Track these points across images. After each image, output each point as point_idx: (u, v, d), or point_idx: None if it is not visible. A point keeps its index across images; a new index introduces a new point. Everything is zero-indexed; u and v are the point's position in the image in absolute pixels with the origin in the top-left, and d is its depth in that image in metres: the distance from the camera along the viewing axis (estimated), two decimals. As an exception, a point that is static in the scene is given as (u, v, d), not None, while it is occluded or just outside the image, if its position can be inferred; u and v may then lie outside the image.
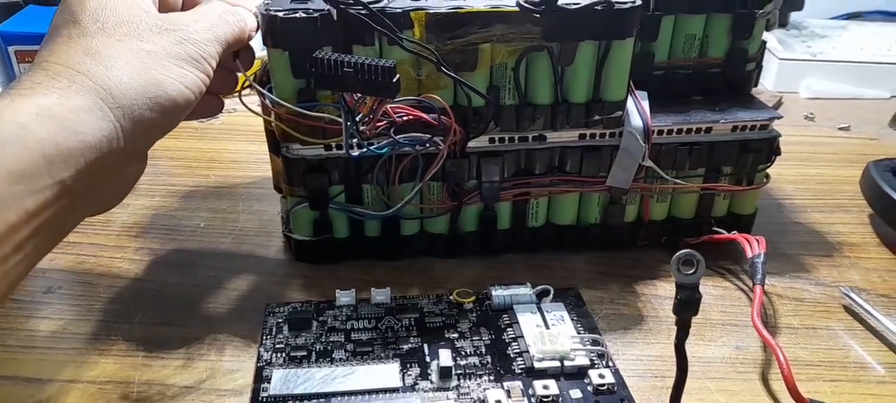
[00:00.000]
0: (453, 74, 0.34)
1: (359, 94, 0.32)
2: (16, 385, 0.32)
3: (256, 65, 0.38)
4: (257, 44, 0.35)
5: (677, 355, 0.27)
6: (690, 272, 0.25)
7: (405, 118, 0.35)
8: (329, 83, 0.32)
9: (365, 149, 0.35)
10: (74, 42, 0.28)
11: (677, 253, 0.25)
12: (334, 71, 0.31)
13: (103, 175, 0.28)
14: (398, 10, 0.34)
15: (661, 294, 0.40)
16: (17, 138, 0.24)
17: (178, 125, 0.31)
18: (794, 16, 0.78)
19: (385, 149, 0.36)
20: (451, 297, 0.38)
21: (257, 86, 0.35)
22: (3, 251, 0.24)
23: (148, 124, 0.28)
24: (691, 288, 0.25)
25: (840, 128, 0.63)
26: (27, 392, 0.31)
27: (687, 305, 0.25)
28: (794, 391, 0.31)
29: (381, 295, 0.37)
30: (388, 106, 0.34)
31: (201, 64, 0.30)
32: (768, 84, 0.70)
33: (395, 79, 0.30)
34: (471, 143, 0.38)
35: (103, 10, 0.28)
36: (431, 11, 0.34)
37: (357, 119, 0.33)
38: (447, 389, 0.32)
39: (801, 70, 0.69)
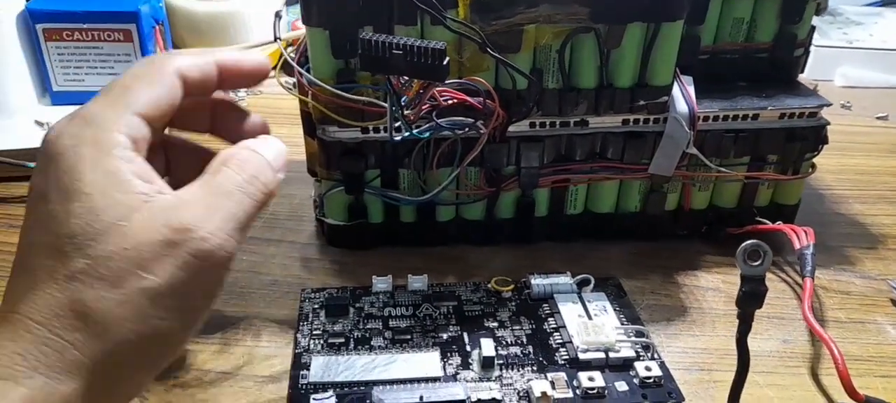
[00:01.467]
0: (498, 55, 0.33)
1: (405, 78, 0.31)
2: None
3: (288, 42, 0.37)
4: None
5: (739, 349, 0.26)
6: (757, 263, 0.24)
7: (450, 101, 0.34)
8: (376, 65, 0.30)
9: (407, 134, 0.34)
10: (59, 288, 0.21)
11: (743, 244, 0.24)
12: (382, 53, 0.29)
13: None
14: (442, -11, 0.33)
15: (704, 285, 0.39)
16: None
17: None
18: (831, 2, 0.77)
19: (427, 134, 0.35)
20: (489, 285, 0.37)
21: (296, 66, 0.34)
22: None
23: (139, 384, 0.24)
24: (757, 281, 0.24)
25: (878, 118, 0.61)
26: None
27: (752, 298, 0.24)
28: (849, 387, 0.30)
29: (418, 282, 0.36)
30: (434, 89, 0.33)
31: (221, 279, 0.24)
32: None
33: (445, 62, 0.29)
34: (511, 128, 0.37)
35: (91, 230, 0.22)
36: (476, -10, 0.33)
37: (402, 102, 0.32)
38: (490, 379, 0.31)
39: (835, 57, 0.68)
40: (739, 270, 0.24)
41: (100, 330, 0.21)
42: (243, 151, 0.26)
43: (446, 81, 0.33)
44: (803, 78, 0.59)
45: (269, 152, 0.26)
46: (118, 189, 0.22)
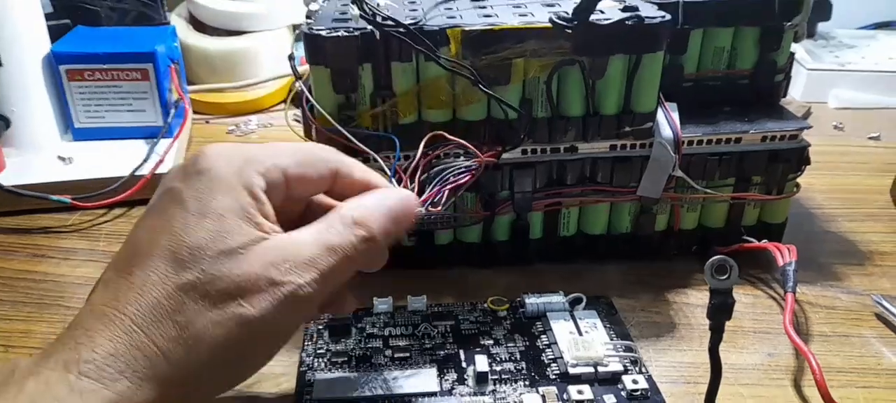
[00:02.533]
0: (489, 91, 0.35)
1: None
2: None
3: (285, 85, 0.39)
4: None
5: (711, 358, 0.27)
6: (724, 277, 0.25)
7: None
8: None
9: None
10: (167, 295, 0.23)
11: (711, 259, 0.25)
12: None
13: None
14: (435, 28, 0.35)
15: (693, 302, 0.40)
16: None
17: None
18: (822, 26, 0.79)
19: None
20: (486, 305, 0.39)
21: (312, 99, 0.37)
22: None
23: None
24: (725, 294, 0.25)
25: (870, 138, 0.63)
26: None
27: (720, 310, 0.26)
28: (826, 396, 0.31)
29: (417, 303, 0.38)
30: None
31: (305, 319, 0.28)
32: (796, 94, 0.70)
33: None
34: (504, 155, 0.39)
35: (213, 249, 0.24)
36: (467, 28, 0.35)
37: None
38: (484, 394, 0.33)
39: (829, 80, 0.70)
40: (708, 284, 0.26)
41: (192, 344, 0.23)
42: (356, 211, 0.27)
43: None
44: (797, 100, 0.60)
45: (381, 208, 0.28)
46: (246, 221, 0.25)
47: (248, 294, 0.24)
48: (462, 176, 0.36)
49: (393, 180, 0.34)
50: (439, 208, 0.34)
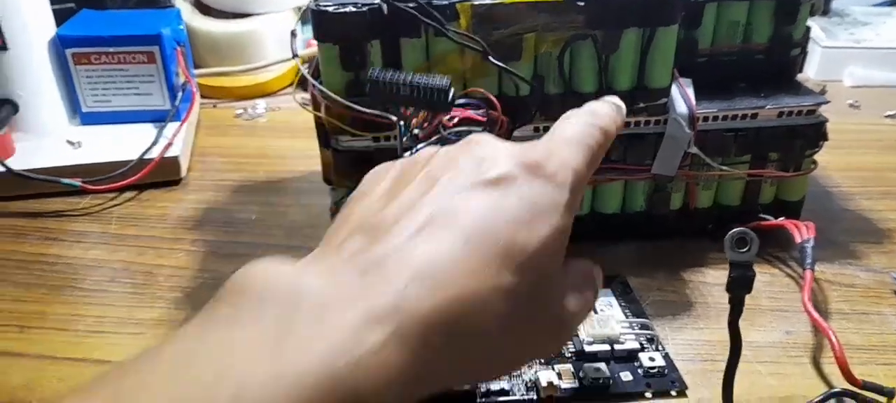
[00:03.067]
0: (500, 63, 0.35)
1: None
2: (87, 366, 0.34)
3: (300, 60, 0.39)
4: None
5: (731, 333, 0.27)
6: (744, 250, 0.25)
7: (455, 121, 0.35)
8: (385, 100, 0.32)
9: (416, 150, 0.35)
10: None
11: (731, 232, 0.25)
12: (390, 90, 0.31)
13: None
14: (444, 2, 0.35)
15: (709, 280, 0.40)
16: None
17: None
18: (837, 3, 0.77)
19: None
20: (499, 284, 0.38)
21: (311, 79, 0.36)
22: None
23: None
24: (745, 266, 0.25)
25: (886, 116, 0.62)
26: (99, 372, 0.33)
27: (740, 283, 0.25)
28: (846, 372, 0.31)
29: (429, 283, 0.38)
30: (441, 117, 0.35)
31: None
32: (811, 72, 0.69)
33: (450, 97, 0.31)
34: (516, 133, 0.38)
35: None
36: (477, 2, 0.35)
37: (411, 127, 0.34)
38: (498, 372, 0.32)
39: (844, 57, 0.68)
40: (727, 257, 0.25)
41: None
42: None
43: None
44: (812, 78, 0.59)
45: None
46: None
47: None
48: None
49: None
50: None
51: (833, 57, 0.68)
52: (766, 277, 0.40)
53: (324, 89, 0.36)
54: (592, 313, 0.35)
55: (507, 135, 0.38)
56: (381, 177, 0.26)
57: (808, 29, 0.42)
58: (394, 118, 0.35)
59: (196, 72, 0.64)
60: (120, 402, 0.18)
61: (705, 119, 0.39)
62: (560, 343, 0.28)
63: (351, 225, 0.23)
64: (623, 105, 0.30)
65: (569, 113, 0.28)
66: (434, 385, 0.21)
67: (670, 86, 0.38)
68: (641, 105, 0.38)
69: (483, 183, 0.23)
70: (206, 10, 0.71)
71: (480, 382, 0.30)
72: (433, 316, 0.20)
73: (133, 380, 0.18)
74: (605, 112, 0.28)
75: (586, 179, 0.25)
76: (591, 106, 0.29)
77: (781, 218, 0.41)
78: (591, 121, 0.27)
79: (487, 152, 0.24)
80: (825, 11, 0.43)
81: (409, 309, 0.19)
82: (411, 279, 0.20)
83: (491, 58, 0.34)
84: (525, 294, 0.22)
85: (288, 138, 0.58)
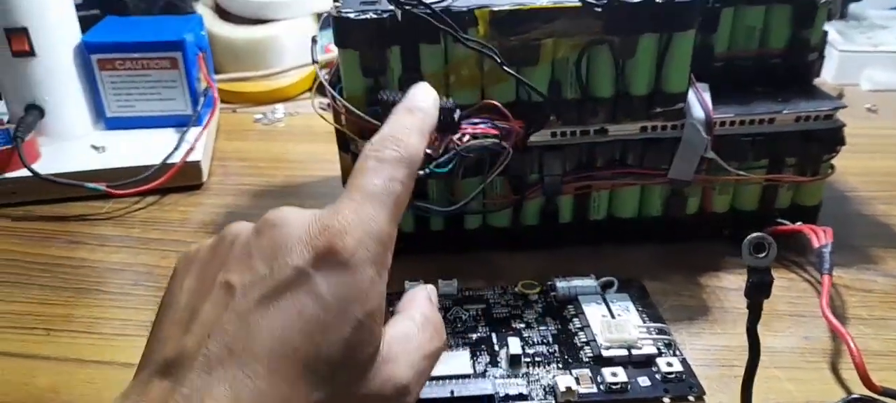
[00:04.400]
0: (514, 73, 0.35)
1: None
2: (113, 369, 0.34)
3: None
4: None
5: (749, 338, 0.27)
6: (762, 255, 0.25)
7: (466, 138, 0.35)
8: None
9: (428, 171, 0.35)
10: None
11: (748, 236, 0.25)
12: None
13: None
14: (463, 8, 0.35)
15: (726, 285, 0.40)
16: None
17: None
18: (854, 7, 0.77)
19: (446, 167, 0.35)
20: (516, 289, 0.39)
21: (329, 88, 0.37)
22: None
23: None
24: (763, 272, 0.25)
25: (905, 120, 0.61)
26: (125, 376, 0.33)
27: (758, 288, 0.25)
28: (865, 378, 0.31)
29: (448, 287, 0.38)
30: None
31: None
32: (828, 77, 0.69)
33: (455, 117, 0.32)
34: (533, 138, 0.39)
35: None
36: (495, 8, 0.35)
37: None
38: (517, 376, 0.33)
39: (861, 62, 0.68)
40: (745, 262, 0.25)
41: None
42: (418, 330, 0.26)
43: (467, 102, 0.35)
44: (829, 83, 0.59)
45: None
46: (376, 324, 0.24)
47: None
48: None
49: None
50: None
51: (850, 61, 0.68)
52: (783, 282, 0.40)
53: (343, 101, 0.37)
54: (610, 318, 0.35)
55: (523, 140, 0.38)
56: (185, 272, 0.25)
57: (825, 33, 0.42)
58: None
59: (216, 77, 0.65)
60: None
61: (722, 124, 0.39)
62: None
63: (157, 361, 0.22)
64: (429, 101, 0.29)
65: (368, 150, 0.26)
66: None
67: (687, 91, 0.38)
68: (658, 110, 0.38)
69: (276, 290, 0.22)
70: (227, 16, 0.72)
71: None
72: None
73: None
74: (409, 126, 0.27)
75: (394, 234, 0.24)
76: (396, 126, 0.27)
77: (799, 223, 0.41)
78: (395, 156, 0.25)
79: (280, 240, 0.23)
80: (842, 15, 0.43)
81: None
82: None
83: (505, 67, 0.35)
84: (343, 395, 0.22)
85: (307, 143, 0.59)
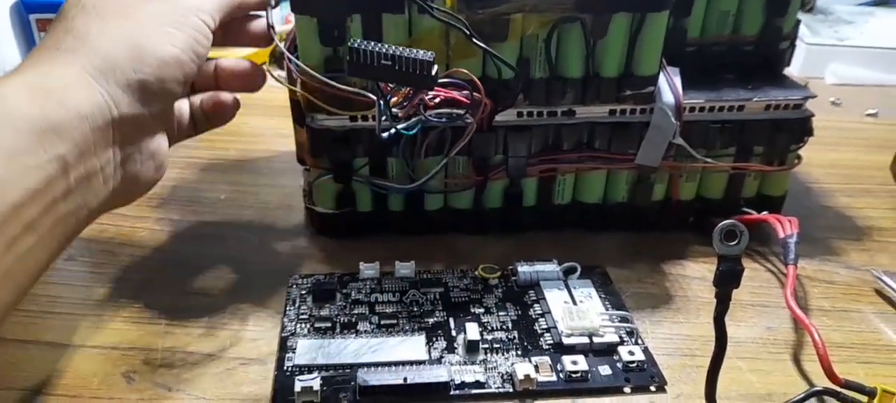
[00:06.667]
0: (484, 46, 0.33)
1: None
2: (39, 349, 0.32)
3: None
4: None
5: (716, 328, 0.26)
6: (733, 244, 0.24)
7: (437, 100, 0.34)
8: (365, 72, 0.31)
9: (394, 131, 0.34)
10: (56, 28, 0.28)
11: (720, 224, 0.24)
12: (371, 61, 0.30)
13: (108, 148, 0.27)
14: (429, -23, 0.33)
15: (690, 274, 0.39)
16: (3, 117, 0.24)
17: (182, 89, 0.30)
18: (821, 1, 0.77)
19: (414, 130, 0.35)
20: (476, 273, 0.37)
21: (286, 53, 0.35)
22: (11, 231, 0.23)
23: (141, 88, 0.28)
24: (733, 260, 0.24)
25: (867, 115, 0.62)
26: (50, 356, 0.31)
27: (729, 277, 0.24)
28: (828, 370, 0.30)
29: (405, 269, 0.37)
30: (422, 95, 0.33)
31: (188, 21, 0.30)
32: (794, 69, 0.68)
33: (433, 72, 0.30)
34: (498, 117, 0.37)
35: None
36: (463, -21, 0.33)
37: (391, 105, 0.33)
38: (474, 363, 0.31)
39: (827, 55, 0.68)
40: (716, 250, 0.24)
41: (88, 38, 0.28)
42: None
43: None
44: (795, 75, 0.59)
45: None
46: None
47: None
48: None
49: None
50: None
51: (816, 54, 0.68)
52: (746, 272, 0.39)
53: (300, 64, 0.35)
54: (572, 305, 0.34)
55: (489, 119, 0.37)
56: None
57: (798, 22, 0.41)
58: (373, 97, 0.33)
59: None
60: None
61: (692, 109, 0.38)
62: None
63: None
64: None
65: None
66: None
67: (658, 74, 0.37)
68: (628, 93, 0.37)
69: None
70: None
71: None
72: None
73: None
74: None
75: None
76: None
77: (764, 213, 0.40)
78: None
79: None
80: (810, 8, 0.42)
81: None
82: None
83: (475, 39, 0.33)
84: None
85: (262, 116, 0.56)
